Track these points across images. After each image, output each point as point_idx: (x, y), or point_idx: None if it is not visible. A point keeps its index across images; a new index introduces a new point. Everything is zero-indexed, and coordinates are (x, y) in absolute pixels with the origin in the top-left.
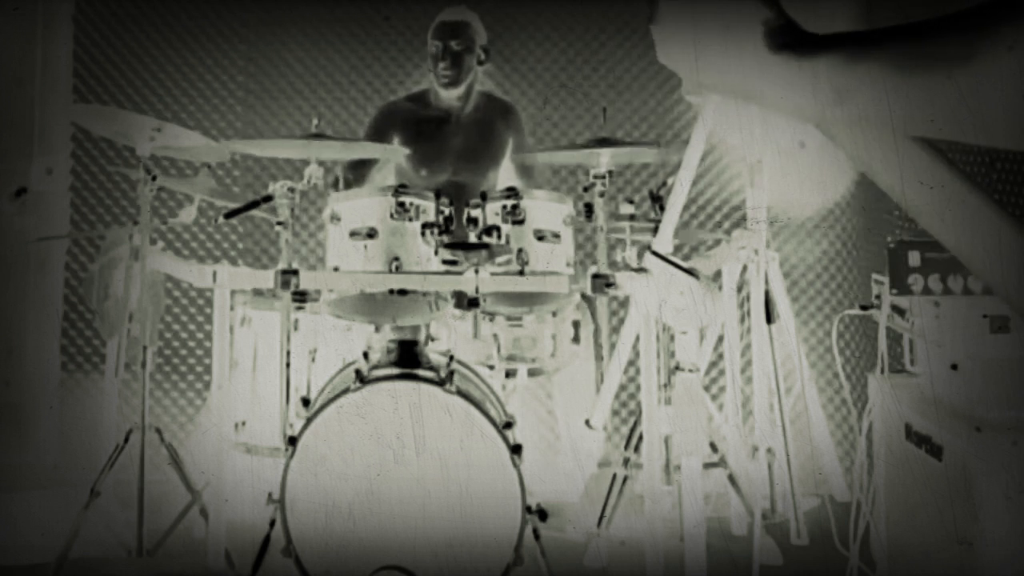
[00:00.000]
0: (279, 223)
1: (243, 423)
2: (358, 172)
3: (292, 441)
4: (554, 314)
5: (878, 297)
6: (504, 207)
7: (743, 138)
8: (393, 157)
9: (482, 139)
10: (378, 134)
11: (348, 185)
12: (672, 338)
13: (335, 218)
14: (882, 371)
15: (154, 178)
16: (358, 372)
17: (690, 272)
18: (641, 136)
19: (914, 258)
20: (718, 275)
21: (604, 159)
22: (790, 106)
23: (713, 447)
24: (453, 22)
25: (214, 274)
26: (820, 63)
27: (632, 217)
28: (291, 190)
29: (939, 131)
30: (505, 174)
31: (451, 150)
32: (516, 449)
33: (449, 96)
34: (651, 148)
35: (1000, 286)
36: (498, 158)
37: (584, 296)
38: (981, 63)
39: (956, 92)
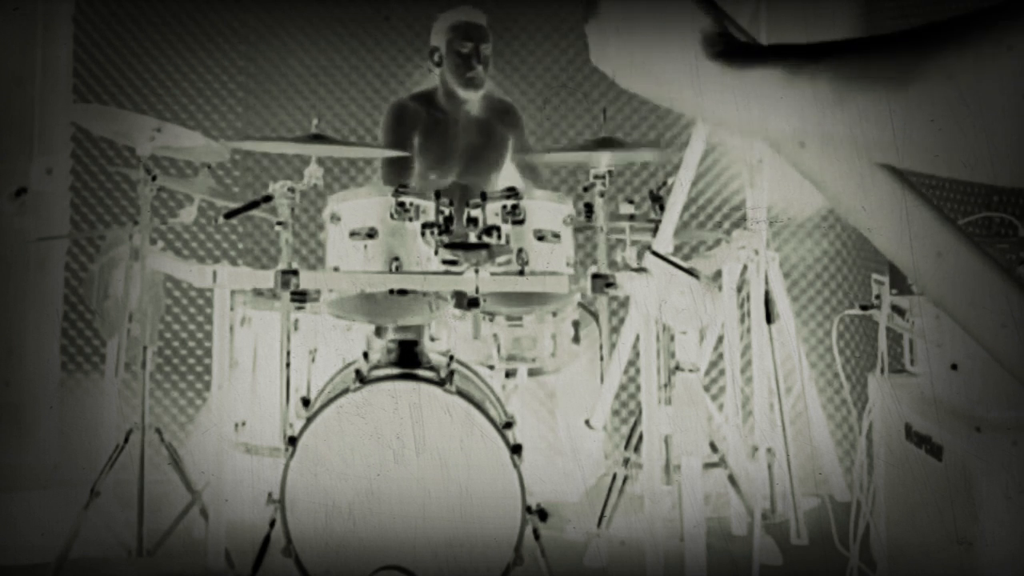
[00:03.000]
0: (279, 223)
1: (243, 423)
2: (398, 174)
3: (292, 441)
4: (554, 314)
5: (878, 297)
6: (504, 207)
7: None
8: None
9: (486, 140)
10: (399, 135)
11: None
12: (672, 338)
13: (335, 218)
14: (882, 371)
15: (154, 178)
16: (358, 372)
17: (690, 272)
18: (641, 136)
19: None
20: (718, 275)
21: (604, 159)
22: (728, 119)
23: (713, 447)
24: (480, 24)
25: (214, 274)
26: (754, 74)
27: (632, 217)
28: (291, 190)
29: (897, 155)
30: (507, 174)
31: (458, 152)
32: (516, 449)
33: (472, 98)
34: (653, 150)
35: (918, 277)
36: (501, 159)
37: (589, 311)
38: (917, 89)
39: (890, 114)
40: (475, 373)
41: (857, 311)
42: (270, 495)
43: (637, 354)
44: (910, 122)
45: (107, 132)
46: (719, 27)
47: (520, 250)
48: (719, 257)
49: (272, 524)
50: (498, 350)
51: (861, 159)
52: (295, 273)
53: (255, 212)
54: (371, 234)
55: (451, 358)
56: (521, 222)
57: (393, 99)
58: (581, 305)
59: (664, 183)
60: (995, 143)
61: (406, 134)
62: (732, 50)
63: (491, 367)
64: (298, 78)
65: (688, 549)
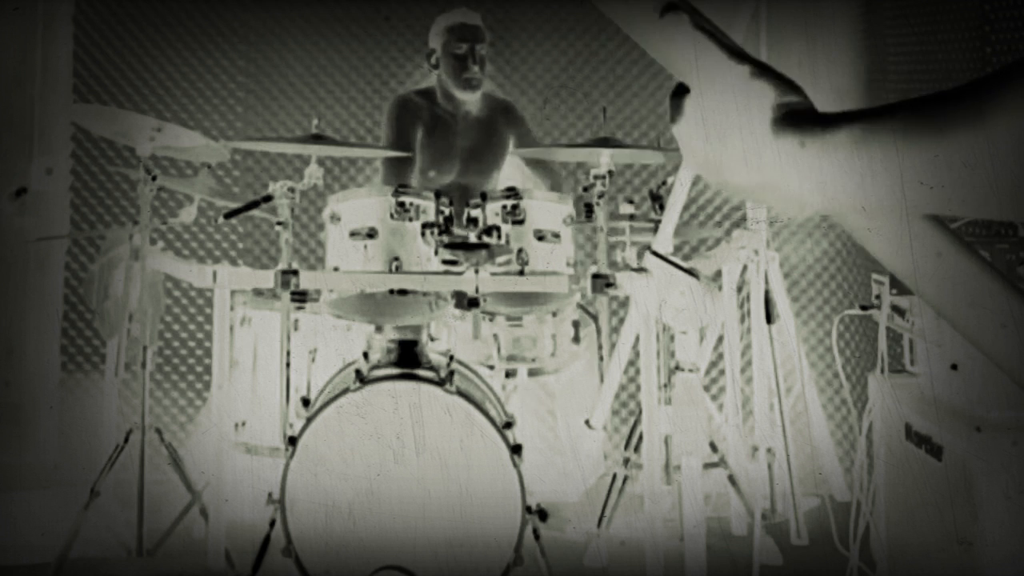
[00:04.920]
0: (279, 223)
1: (243, 423)
2: (398, 174)
3: (292, 441)
4: (554, 314)
5: (878, 297)
6: (504, 207)
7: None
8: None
9: (487, 140)
10: (402, 128)
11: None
12: (672, 338)
13: (335, 218)
14: (882, 371)
15: (154, 178)
16: (358, 372)
17: (690, 272)
18: (641, 136)
19: None
20: (718, 275)
21: (604, 159)
22: (797, 194)
23: (713, 447)
24: (475, 25)
25: (214, 274)
26: (828, 143)
27: (632, 217)
28: (291, 190)
29: (951, 206)
30: (507, 174)
31: (459, 151)
32: (516, 449)
33: (470, 99)
34: (655, 151)
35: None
36: (501, 159)
37: (588, 311)
38: (990, 131)
39: (965, 161)
40: (475, 373)
41: (857, 311)
42: (270, 495)
43: (637, 354)
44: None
45: (107, 132)
46: (804, 103)
47: (520, 250)
48: (719, 257)
49: (272, 524)
50: (498, 350)
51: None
52: (295, 273)
53: (255, 212)
54: (371, 234)
55: (451, 358)
56: (521, 222)
57: (397, 92)
58: (581, 306)
59: (664, 183)
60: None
61: (409, 127)
62: (804, 121)
63: (491, 367)
64: (298, 78)
65: (688, 549)
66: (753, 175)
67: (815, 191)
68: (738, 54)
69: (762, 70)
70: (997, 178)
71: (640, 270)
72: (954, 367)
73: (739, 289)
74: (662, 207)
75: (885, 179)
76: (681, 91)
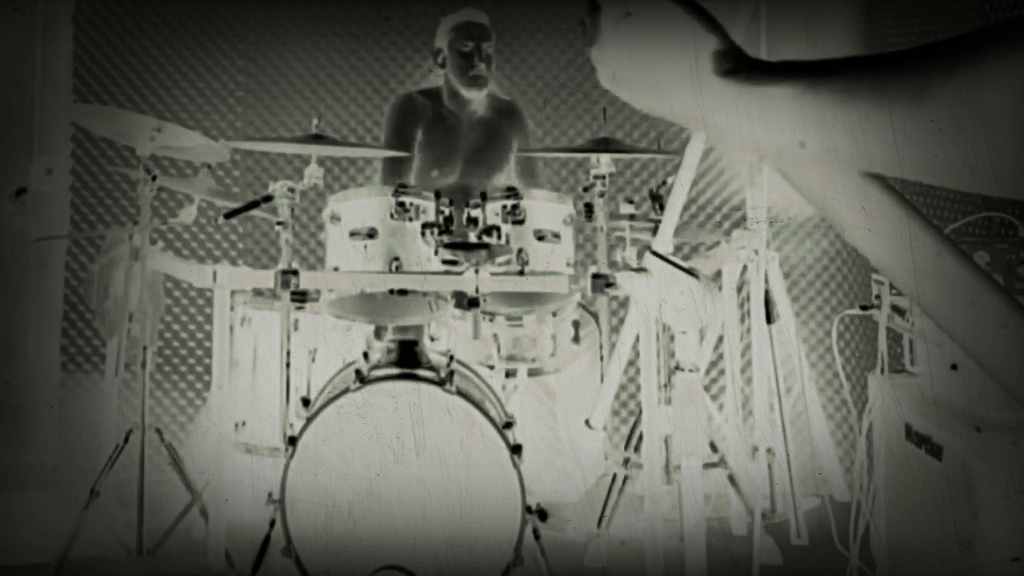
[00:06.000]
0: (279, 223)
1: (243, 423)
2: (397, 174)
3: (292, 441)
4: (554, 314)
5: (878, 297)
6: (504, 207)
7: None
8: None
9: (490, 141)
10: (404, 127)
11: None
12: (672, 338)
13: (335, 218)
14: (882, 371)
15: (154, 178)
16: (358, 372)
17: (690, 272)
18: (641, 136)
19: None
20: (718, 275)
21: (604, 159)
22: (730, 133)
23: (713, 447)
24: (481, 24)
25: (214, 274)
26: (774, 91)
27: (632, 217)
28: (291, 190)
29: (899, 168)
30: (508, 175)
31: (462, 152)
32: (516, 449)
33: (475, 97)
34: (655, 154)
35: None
36: (504, 160)
37: (588, 311)
38: (934, 103)
39: (893, 131)
40: (475, 373)
41: (857, 311)
42: (270, 495)
43: (637, 354)
44: (916, 136)
45: (107, 132)
46: (727, 44)
47: (520, 250)
48: (719, 257)
49: (272, 524)
50: (498, 350)
51: (860, 167)
52: (295, 273)
53: (255, 212)
54: (371, 234)
55: (451, 358)
56: (521, 222)
57: (401, 91)
58: (581, 305)
59: (664, 183)
60: (997, 149)
61: (410, 127)
62: (742, 66)
63: (491, 367)
64: (298, 78)
65: (688, 549)
66: (689, 106)
67: (757, 133)
68: None
69: (693, 8)
70: (939, 145)
71: (640, 270)
72: (954, 367)
73: (739, 289)
74: (662, 207)
75: (831, 129)
76: (593, 7)
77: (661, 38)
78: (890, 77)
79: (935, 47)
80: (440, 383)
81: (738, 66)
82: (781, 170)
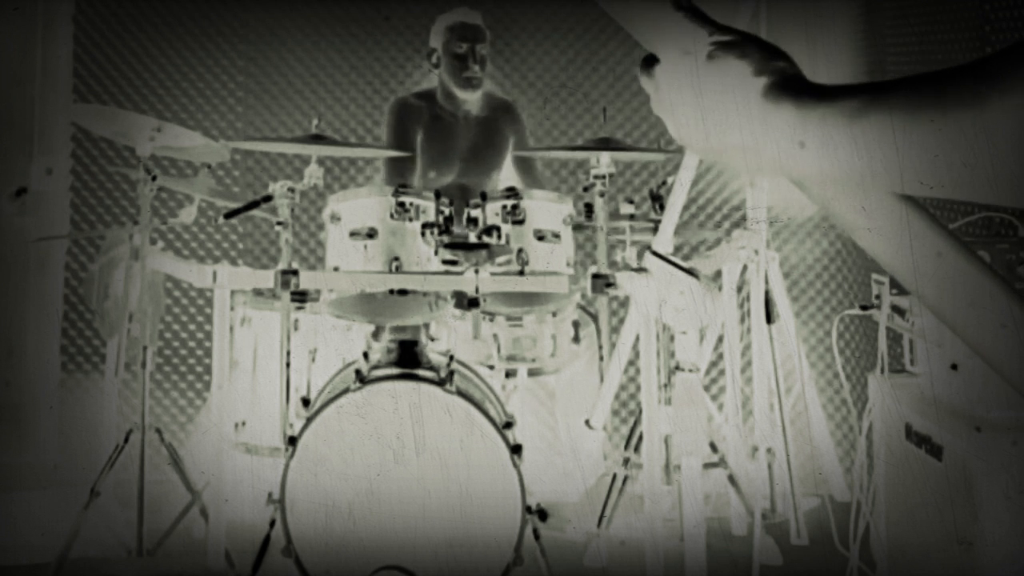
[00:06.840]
0: (279, 223)
1: (243, 423)
2: (401, 176)
3: (292, 441)
4: (554, 314)
5: (878, 297)
6: (504, 207)
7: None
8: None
9: (488, 140)
10: (403, 131)
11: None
12: (672, 338)
13: (335, 218)
14: (882, 371)
15: (154, 178)
16: (358, 372)
17: (690, 272)
18: (641, 136)
19: None
20: (718, 275)
21: (604, 159)
22: (784, 163)
23: (713, 447)
24: (476, 25)
25: (214, 274)
26: (819, 113)
27: (632, 217)
28: (291, 190)
29: (942, 190)
30: (507, 174)
31: (459, 152)
32: (516, 449)
33: (470, 98)
34: (656, 154)
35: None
36: (501, 159)
37: (588, 311)
38: (991, 113)
39: (966, 143)
40: (475, 373)
41: (857, 311)
42: (270, 495)
43: (637, 354)
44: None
45: (107, 132)
46: (792, 69)
47: (520, 250)
48: (719, 257)
49: (272, 524)
50: (498, 350)
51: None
52: (295, 273)
53: (255, 212)
54: (371, 234)
55: (451, 358)
56: (521, 222)
57: (395, 96)
58: (581, 306)
59: (664, 183)
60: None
61: (409, 130)
62: (799, 91)
63: (491, 367)
64: (298, 78)
65: (688, 549)
66: (750, 156)
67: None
68: (719, 26)
69: (746, 39)
70: (995, 164)
71: (640, 270)
72: (954, 367)
73: (739, 289)
74: (662, 207)
75: (879, 154)
76: (650, 62)
77: (721, 70)
78: (948, 91)
79: (990, 60)
80: (440, 383)
81: (793, 91)
82: (808, 192)
